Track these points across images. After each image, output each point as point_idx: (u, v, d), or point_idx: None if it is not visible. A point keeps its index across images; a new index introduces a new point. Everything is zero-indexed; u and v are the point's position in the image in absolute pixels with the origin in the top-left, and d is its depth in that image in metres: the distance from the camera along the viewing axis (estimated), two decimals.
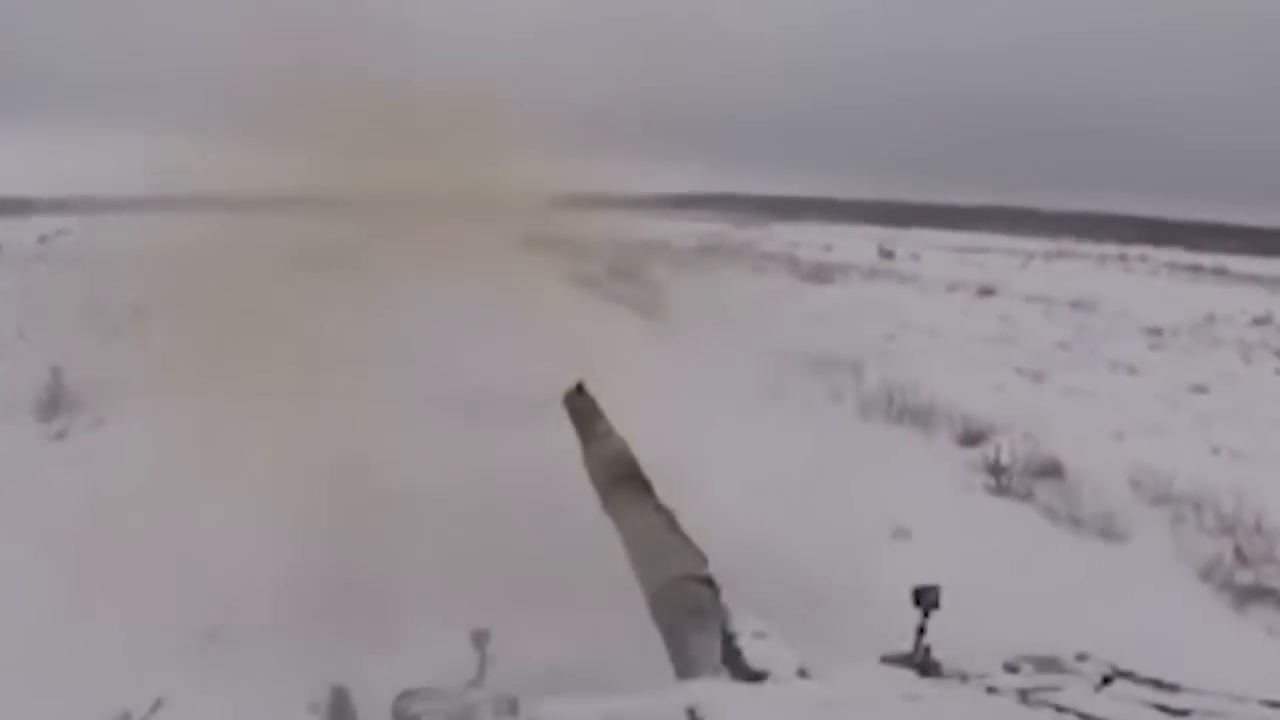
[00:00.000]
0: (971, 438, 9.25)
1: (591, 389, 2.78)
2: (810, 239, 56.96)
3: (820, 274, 31.44)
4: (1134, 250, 62.62)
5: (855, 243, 54.56)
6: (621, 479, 2.27)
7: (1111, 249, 63.54)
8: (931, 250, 51.38)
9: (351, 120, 7.85)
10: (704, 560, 1.79)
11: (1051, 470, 8.17)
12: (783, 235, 64.51)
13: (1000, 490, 7.25)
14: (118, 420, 8.50)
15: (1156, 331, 19.97)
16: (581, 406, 2.68)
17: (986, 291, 26.99)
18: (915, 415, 9.91)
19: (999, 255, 51.60)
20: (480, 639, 1.78)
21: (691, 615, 1.55)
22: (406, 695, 1.12)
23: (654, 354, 12.25)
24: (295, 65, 7.01)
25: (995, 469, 7.69)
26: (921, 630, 1.39)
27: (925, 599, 1.40)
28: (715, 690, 1.15)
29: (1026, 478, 7.68)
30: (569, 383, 2.99)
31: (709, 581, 1.72)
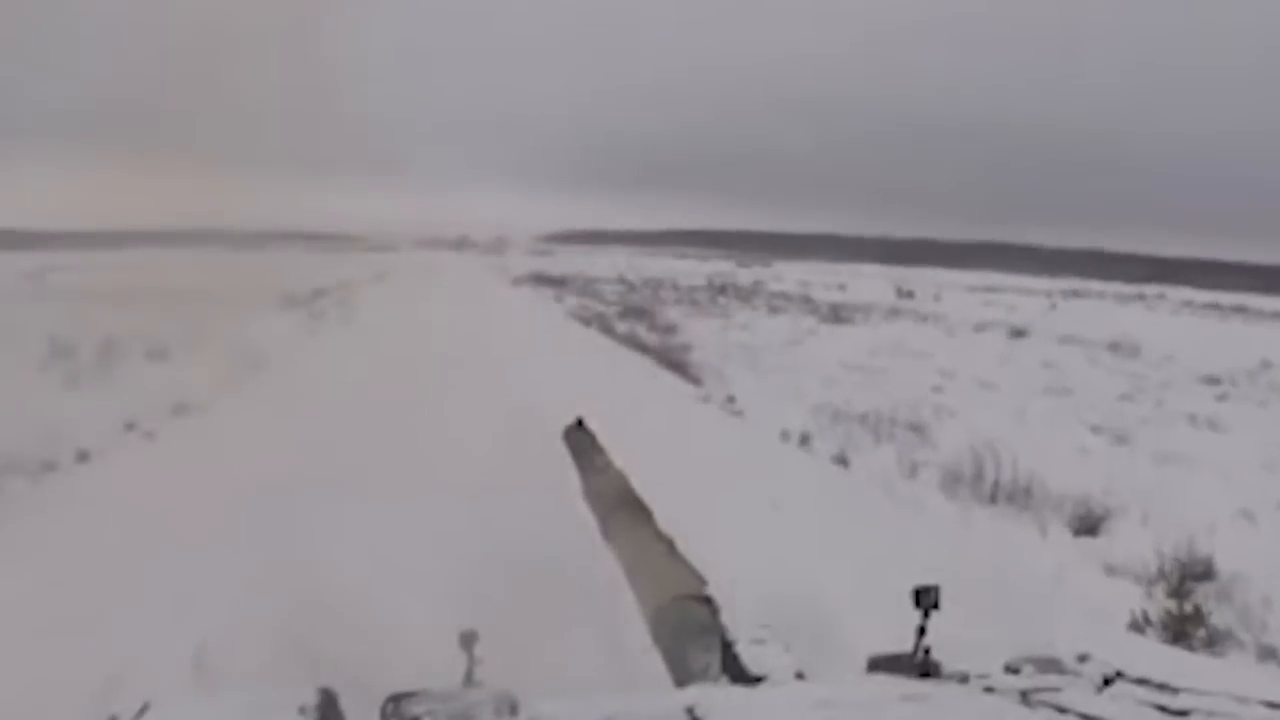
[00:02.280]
0: (1087, 525, 7.65)
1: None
2: (820, 278, 56.01)
3: (839, 314, 30.08)
4: (1150, 289, 61.58)
5: (868, 281, 53.54)
6: (620, 508, 2.21)
7: (1126, 288, 62.56)
8: (948, 289, 50.36)
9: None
10: (703, 581, 1.72)
11: (1205, 574, 6.57)
12: (790, 274, 63.60)
13: (1178, 624, 5.48)
14: None
15: (1214, 380, 18.55)
16: (581, 441, 2.64)
17: (1018, 333, 25.67)
18: (1011, 494, 8.33)
19: (1014, 294, 50.44)
20: (468, 640, 1.61)
21: (690, 632, 1.53)
22: (396, 698, 1.06)
23: (692, 418, 10.74)
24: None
25: (1159, 580, 6.07)
26: (921, 631, 1.28)
27: (925, 599, 1.29)
28: (714, 691, 1.11)
29: (1185, 591, 6.05)
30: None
31: (708, 600, 1.66)
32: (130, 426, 8.81)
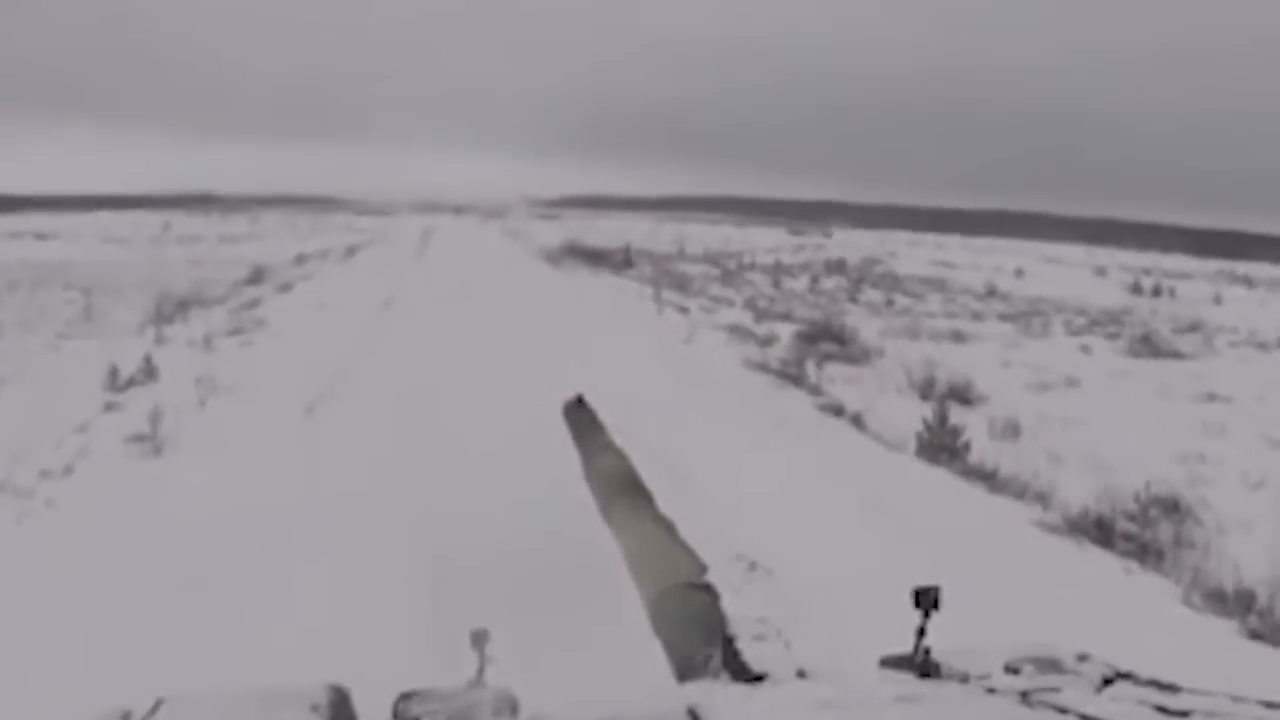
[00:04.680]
0: None
1: None
2: (912, 253, 46.06)
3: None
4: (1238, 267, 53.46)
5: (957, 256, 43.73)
6: (621, 489, 2.13)
7: (1191, 262, 54.48)
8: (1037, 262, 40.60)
9: None
10: (704, 568, 1.69)
11: None
12: (862, 243, 53.82)
13: None
14: None
15: None
16: (581, 419, 2.52)
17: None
18: None
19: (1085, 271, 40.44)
20: (479, 639, 1.50)
21: (691, 623, 1.50)
22: (407, 696, 1.08)
23: None
24: None
25: None
26: (921, 631, 1.23)
27: (925, 599, 1.22)
28: (715, 691, 1.07)
29: None
30: None
31: (709, 588, 1.63)
32: None
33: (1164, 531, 5.87)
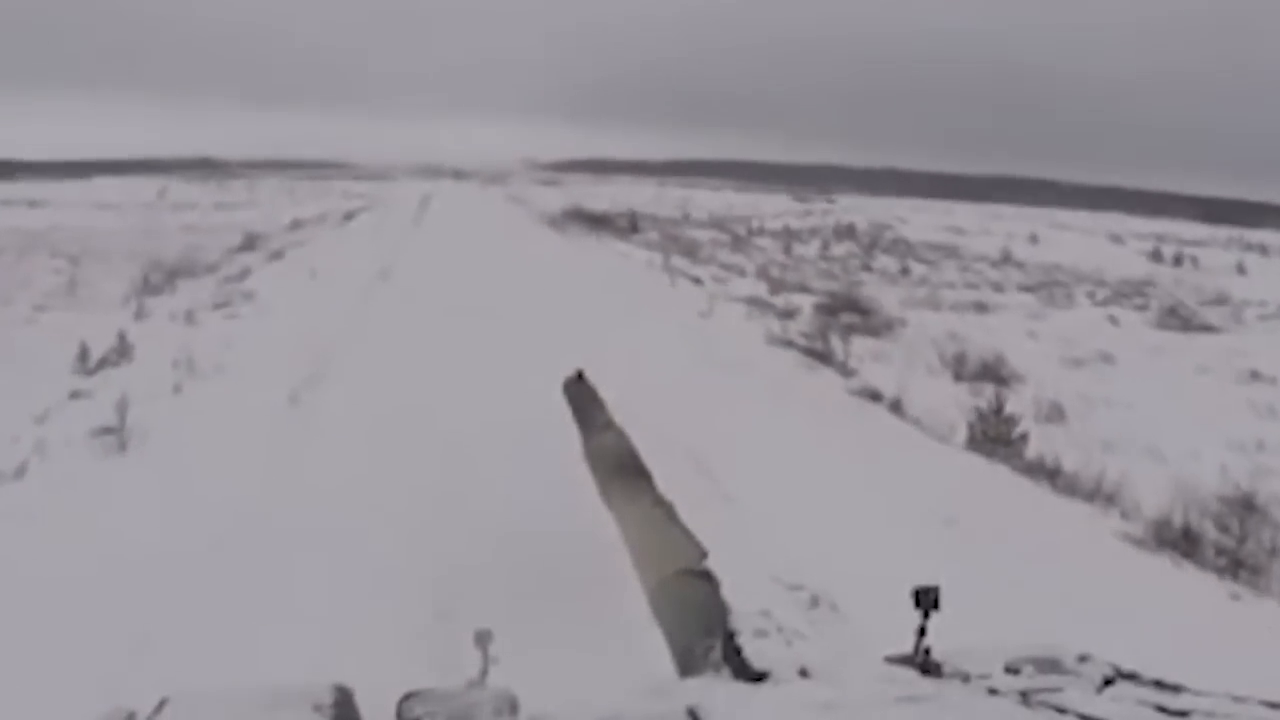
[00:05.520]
0: None
1: None
2: (917, 218, 44.91)
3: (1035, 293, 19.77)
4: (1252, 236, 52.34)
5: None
6: (621, 470, 2.09)
7: (1202, 230, 53.39)
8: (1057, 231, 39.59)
9: None
10: (704, 554, 1.66)
11: None
12: (868, 209, 52.68)
13: None
14: None
15: None
16: (581, 395, 2.47)
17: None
18: None
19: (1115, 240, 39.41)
20: (483, 639, 1.49)
21: (692, 612, 1.48)
22: (411, 696, 1.08)
23: None
24: None
25: None
26: (922, 631, 1.24)
27: (925, 599, 1.24)
28: (716, 691, 1.07)
29: None
30: None
31: (708, 575, 1.61)
32: None
33: (1254, 539, 5.24)
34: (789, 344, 9.41)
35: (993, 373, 10.01)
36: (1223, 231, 60.83)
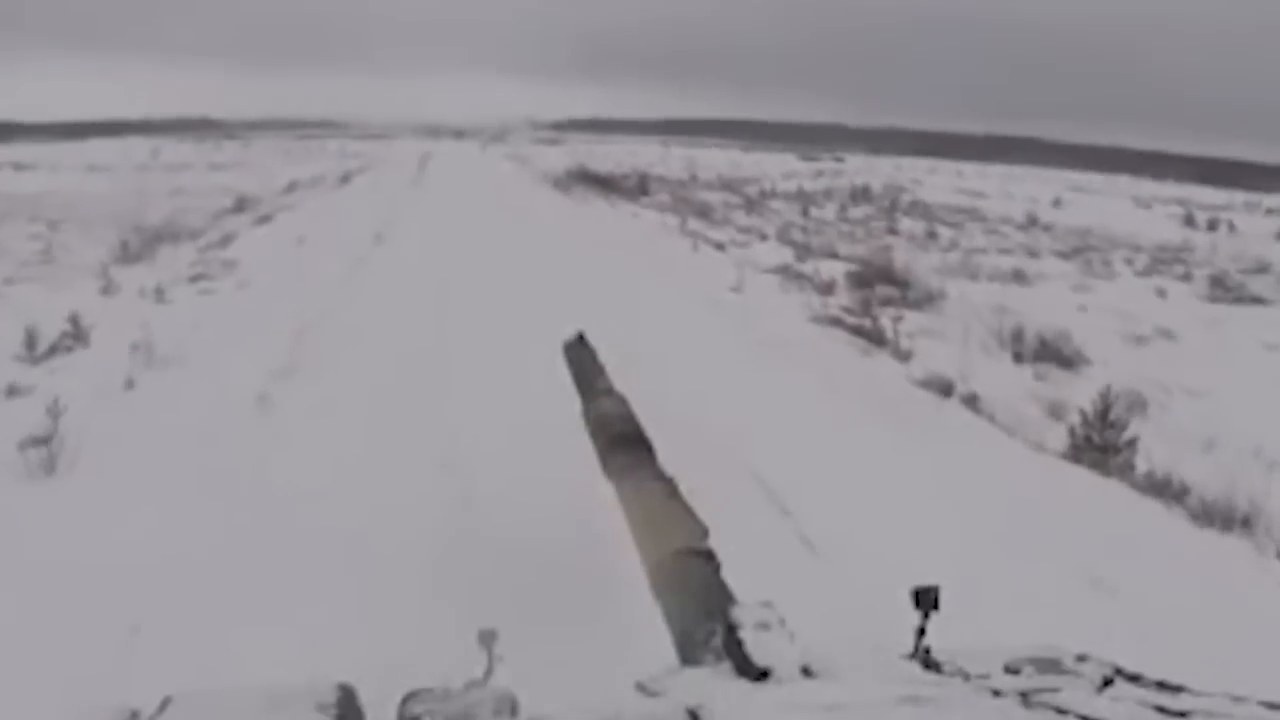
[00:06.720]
0: None
1: None
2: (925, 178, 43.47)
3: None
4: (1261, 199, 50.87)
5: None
6: (622, 441, 1.86)
7: (1218, 194, 51.97)
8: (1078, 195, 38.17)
9: None
10: (705, 532, 1.54)
11: None
12: (879, 169, 51.17)
13: None
14: None
15: None
16: (582, 358, 2.18)
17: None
18: None
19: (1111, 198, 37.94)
20: (487, 638, 1.38)
21: (692, 594, 1.39)
22: (411, 696, 1.06)
23: None
24: None
25: None
26: (921, 631, 1.19)
27: (925, 599, 1.19)
28: (717, 690, 1.03)
29: None
30: None
31: (710, 555, 1.51)
32: None
33: None
34: (834, 321, 8.40)
35: (1055, 353, 9.02)
36: (1239, 195, 59.42)
